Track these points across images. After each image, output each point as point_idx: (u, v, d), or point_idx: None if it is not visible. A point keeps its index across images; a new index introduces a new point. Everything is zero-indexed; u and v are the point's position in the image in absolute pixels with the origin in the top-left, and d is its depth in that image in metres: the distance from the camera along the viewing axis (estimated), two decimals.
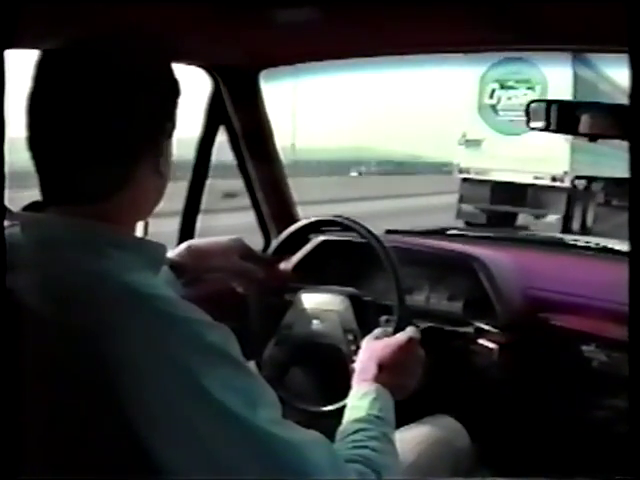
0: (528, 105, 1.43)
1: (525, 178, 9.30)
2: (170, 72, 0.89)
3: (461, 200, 9.91)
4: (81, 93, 0.80)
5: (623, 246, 1.90)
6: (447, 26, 1.38)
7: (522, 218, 10.14)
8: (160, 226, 1.38)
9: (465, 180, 9.84)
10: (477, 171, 9.65)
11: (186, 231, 1.90)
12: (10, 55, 0.84)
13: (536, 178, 9.26)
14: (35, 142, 0.83)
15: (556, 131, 1.42)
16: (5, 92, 0.80)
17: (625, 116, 1.23)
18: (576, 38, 1.38)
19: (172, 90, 0.89)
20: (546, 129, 1.42)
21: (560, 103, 1.42)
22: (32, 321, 0.75)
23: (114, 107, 0.81)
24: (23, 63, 0.92)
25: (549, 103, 1.40)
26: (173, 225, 1.87)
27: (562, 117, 1.39)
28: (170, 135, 0.90)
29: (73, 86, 0.81)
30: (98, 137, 0.81)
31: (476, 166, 9.61)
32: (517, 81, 9.53)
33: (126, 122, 0.82)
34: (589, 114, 1.36)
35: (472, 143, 9.60)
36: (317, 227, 1.66)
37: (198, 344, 0.76)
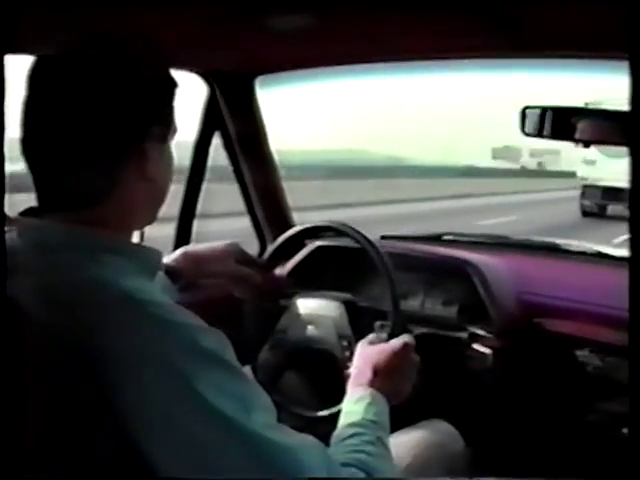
0: (523, 111, 1.43)
1: (623, 184, 14.32)
2: (156, 77, 0.88)
3: (582, 197, 15.37)
4: (62, 97, 0.81)
5: (617, 251, 1.91)
6: (445, 32, 1.38)
7: (615, 209, 14.75)
8: (156, 231, 1.37)
9: (585, 185, 15.16)
10: (593, 179, 14.72)
11: (182, 236, 1.90)
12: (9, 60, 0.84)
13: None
14: (26, 148, 0.84)
15: (550, 137, 1.42)
16: (5, 96, 0.80)
17: (621, 122, 1.24)
18: (575, 44, 1.39)
19: (159, 94, 0.88)
20: (539, 135, 1.42)
21: (554, 109, 1.42)
22: (30, 326, 0.76)
23: (95, 110, 0.81)
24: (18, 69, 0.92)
25: (544, 109, 1.40)
26: (169, 230, 1.87)
27: (557, 123, 1.39)
28: (162, 139, 0.88)
29: (55, 91, 0.81)
30: (81, 142, 0.81)
31: (592, 176, 14.72)
32: None
33: (107, 126, 0.81)
34: (584, 120, 1.36)
35: (589, 162, 14.60)
36: (313, 233, 1.66)
37: (192, 349, 0.76)
